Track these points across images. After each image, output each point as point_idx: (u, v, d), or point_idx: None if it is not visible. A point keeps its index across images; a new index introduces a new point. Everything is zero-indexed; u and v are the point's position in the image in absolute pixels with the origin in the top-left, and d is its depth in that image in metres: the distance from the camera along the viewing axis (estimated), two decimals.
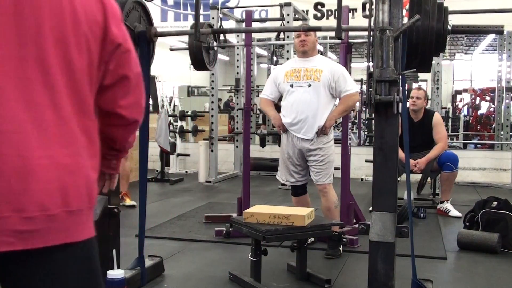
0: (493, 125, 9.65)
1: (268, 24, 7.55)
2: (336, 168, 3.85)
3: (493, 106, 10.68)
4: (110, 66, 1.27)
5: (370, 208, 2.57)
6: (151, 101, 8.37)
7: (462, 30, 2.58)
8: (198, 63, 3.79)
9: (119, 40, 1.27)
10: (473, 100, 12.03)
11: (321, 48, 8.83)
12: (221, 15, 6.63)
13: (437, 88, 6.36)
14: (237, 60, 7.84)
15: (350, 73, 3.88)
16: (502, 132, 8.44)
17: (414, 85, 9.35)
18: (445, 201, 5.05)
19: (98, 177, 1.34)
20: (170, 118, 8.38)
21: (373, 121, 4.74)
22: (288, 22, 6.57)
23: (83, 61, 1.19)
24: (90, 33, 1.20)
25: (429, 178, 6.08)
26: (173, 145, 8.07)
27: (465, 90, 13.45)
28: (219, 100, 13.84)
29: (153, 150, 6.81)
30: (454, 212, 4.94)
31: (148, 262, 3.05)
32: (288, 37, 6.53)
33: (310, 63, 3.72)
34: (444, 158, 4.97)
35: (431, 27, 2.26)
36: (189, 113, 8.65)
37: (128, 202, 5.17)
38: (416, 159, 4.97)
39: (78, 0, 1.19)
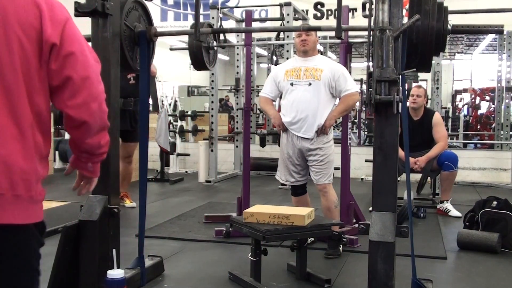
0: (493, 125, 9.65)
1: (268, 24, 7.55)
2: (336, 168, 3.85)
3: (493, 106, 10.69)
4: (51, 66, 1.39)
5: (370, 208, 2.57)
6: (151, 101, 8.37)
7: (462, 30, 2.58)
8: (198, 63, 3.79)
9: (52, 40, 1.38)
10: (473, 100, 12.04)
11: (321, 48, 8.83)
12: (221, 15, 6.63)
13: (437, 88, 6.36)
14: (237, 60, 7.84)
15: (350, 73, 3.88)
16: (502, 132, 8.45)
17: (414, 84, 9.34)
18: (445, 201, 5.05)
19: (77, 179, 1.63)
20: (170, 118, 8.37)
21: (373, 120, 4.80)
22: (288, 22, 6.57)
23: (14, 59, 1.34)
24: (24, 35, 1.35)
25: (429, 178, 6.08)
26: (173, 145, 8.07)
27: (465, 90, 13.46)
28: (222, 100, 13.87)
29: (153, 150, 6.82)
30: (454, 212, 4.94)
31: (148, 262, 3.05)
32: (288, 37, 6.53)
33: (310, 62, 3.72)
34: (444, 157, 4.97)
35: (431, 27, 2.26)
36: (189, 113, 8.65)
37: (128, 203, 5.15)
38: (416, 158, 4.99)
39: (10, 8, 1.35)
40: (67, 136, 8.95)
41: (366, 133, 10.37)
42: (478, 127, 11.17)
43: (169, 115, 8.09)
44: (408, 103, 4.95)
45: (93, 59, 1.51)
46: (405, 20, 2.24)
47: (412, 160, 4.82)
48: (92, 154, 1.58)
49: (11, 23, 1.35)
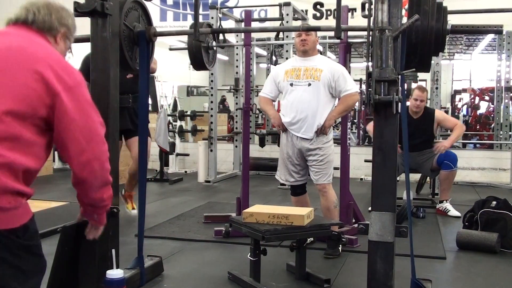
0: (492, 125, 9.65)
1: (267, 24, 7.55)
2: (335, 168, 3.85)
3: (492, 106, 10.69)
4: (57, 128, 1.62)
5: (370, 208, 2.57)
6: (150, 101, 8.36)
7: (461, 30, 2.58)
8: (198, 63, 3.79)
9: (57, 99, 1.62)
10: (472, 100, 12.04)
11: (320, 48, 8.83)
12: (220, 15, 6.62)
13: (436, 88, 6.37)
14: (236, 60, 7.84)
15: (349, 73, 3.88)
16: (501, 131, 8.45)
17: (414, 84, 9.31)
18: (445, 201, 5.05)
19: (88, 225, 1.95)
20: (170, 118, 8.37)
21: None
22: (287, 22, 6.57)
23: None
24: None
25: (428, 177, 6.08)
26: (173, 145, 8.07)
27: (464, 90, 13.45)
28: (224, 101, 13.87)
29: (153, 149, 6.80)
30: (453, 212, 4.94)
31: (147, 262, 3.05)
32: (287, 37, 6.53)
33: (310, 62, 3.72)
34: (443, 157, 4.99)
35: (430, 27, 2.26)
36: (189, 113, 8.65)
37: (129, 208, 4.77)
38: (416, 159, 5.01)
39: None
40: None
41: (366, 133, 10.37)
42: (478, 127, 11.18)
43: (168, 115, 8.09)
44: (408, 104, 4.95)
45: (99, 123, 1.70)
46: (405, 20, 2.23)
47: (440, 144, 4.98)
48: (96, 207, 1.81)
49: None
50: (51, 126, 1.59)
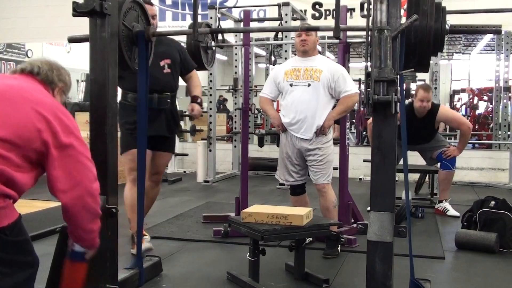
0: (491, 125, 9.66)
1: (266, 24, 7.54)
2: (334, 168, 3.85)
3: (491, 106, 10.70)
4: (49, 169, 1.78)
5: (368, 208, 2.57)
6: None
7: (460, 30, 2.58)
8: (197, 63, 3.80)
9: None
10: (471, 100, 12.05)
11: (319, 48, 8.83)
12: (219, 15, 6.62)
13: (435, 88, 6.35)
14: (235, 60, 7.84)
15: (348, 73, 3.88)
16: (499, 131, 8.46)
17: (413, 85, 9.29)
18: (444, 201, 5.06)
19: None
20: None
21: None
22: (286, 22, 6.57)
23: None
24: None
25: (427, 177, 6.09)
26: None
27: (463, 90, 13.47)
28: (225, 100, 13.84)
29: None
30: (452, 212, 4.94)
31: (146, 262, 3.04)
32: (286, 37, 6.53)
33: (310, 62, 3.72)
34: (441, 156, 5.00)
35: (429, 27, 2.26)
36: (187, 113, 8.62)
37: (145, 243, 3.36)
38: (417, 146, 5.01)
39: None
40: None
41: (364, 133, 10.38)
42: (476, 127, 11.19)
43: None
44: (414, 104, 4.88)
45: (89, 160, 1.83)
46: (403, 20, 2.24)
47: (451, 151, 4.95)
48: (85, 238, 1.93)
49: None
50: (41, 162, 1.74)
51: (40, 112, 1.71)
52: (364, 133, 9.95)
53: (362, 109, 9.89)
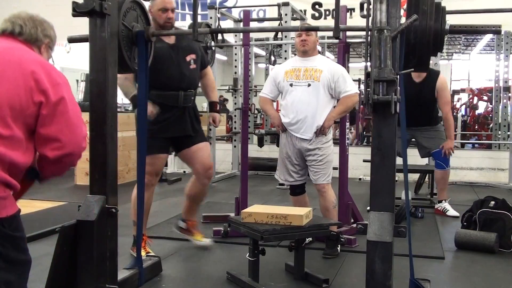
0: (491, 125, 9.66)
1: (266, 24, 7.55)
2: (334, 168, 3.85)
3: (490, 106, 10.69)
4: (39, 129, 1.72)
5: (368, 208, 2.57)
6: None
7: (460, 30, 2.58)
8: None
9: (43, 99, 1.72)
10: (471, 100, 12.04)
11: (319, 48, 8.83)
12: (219, 15, 6.63)
13: None
14: (235, 60, 7.83)
15: (348, 73, 3.88)
16: (499, 131, 8.46)
17: None
18: (443, 201, 5.05)
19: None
20: None
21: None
22: (286, 22, 6.57)
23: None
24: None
25: (426, 177, 6.09)
26: None
27: (463, 90, 13.45)
28: (226, 101, 13.83)
29: None
30: (451, 212, 4.94)
31: (146, 262, 3.04)
32: (286, 37, 6.53)
33: (310, 62, 3.72)
34: (435, 155, 4.94)
35: (429, 27, 2.26)
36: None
37: (199, 238, 3.76)
38: (416, 132, 4.89)
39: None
40: None
41: (364, 133, 10.39)
42: (476, 127, 11.18)
43: None
44: None
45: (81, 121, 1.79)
46: (403, 20, 2.24)
47: (447, 148, 4.82)
48: (50, 177, 1.87)
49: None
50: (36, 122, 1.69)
51: (27, 73, 1.66)
52: (364, 133, 9.96)
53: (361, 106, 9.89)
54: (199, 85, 3.68)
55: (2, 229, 1.59)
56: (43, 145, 1.72)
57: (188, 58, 3.45)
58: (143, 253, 3.19)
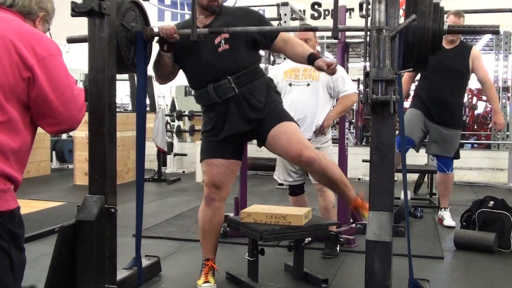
0: (490, 125, 9.66)
1: None
2: None
3: (489, 106, 10.69)
4: (31, 94, 1.62)
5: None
6: (148, 101, 8.35)
7: (458, 30, 2.59)
8: None
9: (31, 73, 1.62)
10: (470, 100, 12.04)
11: (318, 48, 8.83)
12: None
13: None
14: None
15: (347, 73, 3.88)
16: (498, 132, 8.46)
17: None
18: (442, 209, 4.68)
19: None
20: (167, 118, 8.37)
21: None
22: (285, 22, 6.57)
23: None
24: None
25: (426, 177, 6.09)
26: (170, 145, 8.06)
27: None
28: None
29: (150, 150, 6.81)
30: (448, 221, 4.53)
31: (145, 262, 3.05)
32: None
33: None
34: (439, 158, 4.63)
35: (427, 27, 2.27)
36: (186, 112, 8.64)
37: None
38: (430, 129, 4.49)
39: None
40: (64, 136, 8.93)
41: (364, 132, 10.40)
42: (475, 127, 11.19)
43: (166, 115, 8.09)
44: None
45: (75, 89, 1.68)
46: (402, 20, 2.24)
47: (499, 122, 4.48)
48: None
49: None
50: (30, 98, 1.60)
51: (11, 49, 1.54)
52: (364, 132, 9.96)
53: (361, 105, 9.90)
54: (248, 63, 2.83)
55: (4, 223, 1.53)
56: (39, 120, 1.65)
57: (217, 40, 2.77)
58: (200, 281, 2.95)
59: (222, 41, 2.78)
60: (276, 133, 2.80)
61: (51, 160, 8.19)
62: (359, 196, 2.90)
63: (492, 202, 3.96)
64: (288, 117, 2.90)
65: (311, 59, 2.78)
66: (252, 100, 2.80)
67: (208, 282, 2.93)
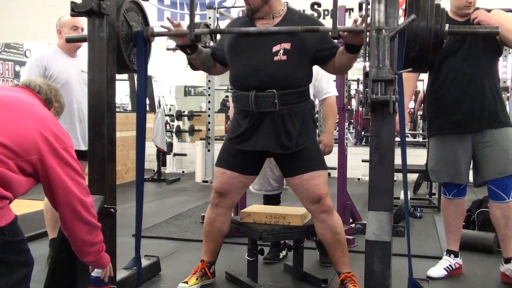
0: None
1: None
2: (332, 168, 3.84)
3: None
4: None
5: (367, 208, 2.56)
6: (148, 101, 8.34)
7: (459, 31, 2.58)
8: None
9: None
10: None
11: None
12: (217, 15, 6.62)
13: None
14: None
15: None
16: None
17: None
18: (510, 259, 3.09)
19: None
20: (167, 118, 8.37)
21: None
22: None
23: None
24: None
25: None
26: (170, 145, 8.06)
27: None
28: (228, 101, 13.86)
29: (150, 150, 6.81)
30: None
31: (144, 262, 3.05)
32: None
33: None
34: (492, 182, 3.09)
35: (429, 28, 2.27)
36: (186, 113, 8.64)
37: None
38: (473, 148, 3.20)
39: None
40: None
41: (363, 133, 10.41)
42: None
43: (166, 115, 8.09)
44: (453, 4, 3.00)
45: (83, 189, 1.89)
46: (401, 20, 2.24)
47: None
48: (88, 252, 2.00)
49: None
50: (34, 175, 1.78)
51: (40, 127, 1.76)
52: (363, 133, 9.97)
53: (360, 109, 9.90)
54: (300, 83, 2.65)
55: (2, 238, 1.62)
56: (51, 197, 1.86)
57: (276, 48, 2.56)
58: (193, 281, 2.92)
59: (281, 51, 2.56)
60: (304, 181, 2.65)
61: None
62: (353, 275, 2.73)
63: None
64: (321, 163, 2.71)
65: (348, 46, 2.50)
66: (289, 123, 2.60)
67: (186, 283, 2.89)
